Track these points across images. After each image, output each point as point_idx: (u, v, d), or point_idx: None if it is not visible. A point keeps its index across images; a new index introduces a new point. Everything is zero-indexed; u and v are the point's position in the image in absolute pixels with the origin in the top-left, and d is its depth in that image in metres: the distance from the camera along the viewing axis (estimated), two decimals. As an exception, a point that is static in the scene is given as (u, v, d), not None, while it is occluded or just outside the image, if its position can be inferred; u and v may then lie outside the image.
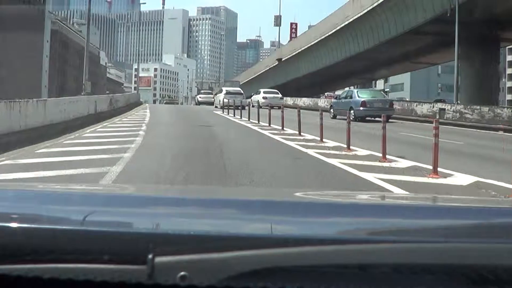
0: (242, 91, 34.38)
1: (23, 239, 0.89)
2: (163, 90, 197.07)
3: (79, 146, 11.06)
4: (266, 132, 15.56)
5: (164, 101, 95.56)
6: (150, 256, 0.84)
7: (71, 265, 0.85)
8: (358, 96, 22.28)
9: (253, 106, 25.24)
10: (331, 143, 11.99)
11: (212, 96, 42.29)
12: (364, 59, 42.54)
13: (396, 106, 24.69)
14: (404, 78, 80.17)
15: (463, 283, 0.85)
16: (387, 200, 1.85)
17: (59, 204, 1.25)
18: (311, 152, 10.53)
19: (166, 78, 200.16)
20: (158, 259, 0.83)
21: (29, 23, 66.50)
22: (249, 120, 20.90)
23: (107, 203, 1.29)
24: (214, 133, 15.06)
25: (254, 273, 0.83)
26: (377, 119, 19.51)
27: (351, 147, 10.78)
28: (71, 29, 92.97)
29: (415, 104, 26.67)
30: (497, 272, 0.84)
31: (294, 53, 52.75)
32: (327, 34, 44.20)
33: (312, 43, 47.44)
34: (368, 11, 37.05)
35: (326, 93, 55.46)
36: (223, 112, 27.21)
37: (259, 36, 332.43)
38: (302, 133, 14.25)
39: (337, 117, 22.39)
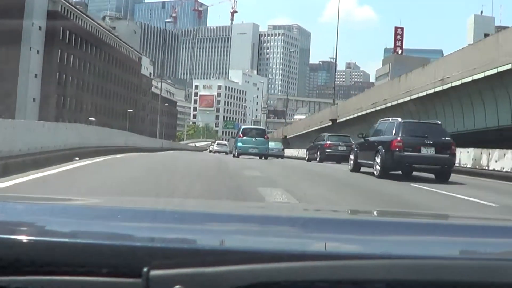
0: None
1: (19, 251, 0.89)
2: (227, 112, 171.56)
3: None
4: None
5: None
6: (145, 269, 0.84)
7: (67, 277, 0.86)
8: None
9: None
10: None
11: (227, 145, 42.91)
12: None
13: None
14: None
15: None
16: (384, 217, 1.84)
17: (55, 216, 1.23)
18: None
19: (231, 98, 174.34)
20: (153, 272, 0.83)
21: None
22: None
23: (103, 216, 1.26)
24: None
25: None
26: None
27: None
28: (85, 14, 67.86)
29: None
30: None
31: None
32: None
33: None
34: None
35: None
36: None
37: (333, 58, 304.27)
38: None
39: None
